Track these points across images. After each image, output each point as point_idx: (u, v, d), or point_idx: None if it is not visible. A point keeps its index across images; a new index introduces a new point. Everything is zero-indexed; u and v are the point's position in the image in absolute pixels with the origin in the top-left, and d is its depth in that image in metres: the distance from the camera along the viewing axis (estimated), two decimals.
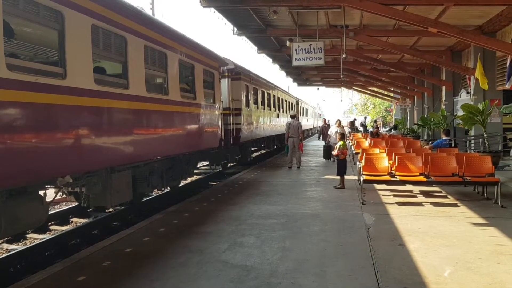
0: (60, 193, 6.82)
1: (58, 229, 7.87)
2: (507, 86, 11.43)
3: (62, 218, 8.45)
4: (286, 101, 25.43)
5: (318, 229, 6.24)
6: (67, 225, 8.26)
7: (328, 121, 24.25)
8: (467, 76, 14.88)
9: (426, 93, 22.67)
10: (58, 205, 9.66)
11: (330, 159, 15.27)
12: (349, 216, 6.99)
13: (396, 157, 8.75)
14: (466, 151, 14.35)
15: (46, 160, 5.01)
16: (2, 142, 4.31)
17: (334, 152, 10.01)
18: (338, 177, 9.93)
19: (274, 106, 21.00)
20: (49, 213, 7.07)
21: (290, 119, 14.85)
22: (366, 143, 16.01)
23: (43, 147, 4.93)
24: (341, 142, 10.08)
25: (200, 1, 10.25)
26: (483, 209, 7.41)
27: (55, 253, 6.55)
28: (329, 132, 15.96)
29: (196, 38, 10.08)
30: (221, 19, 12.80)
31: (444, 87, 19.03)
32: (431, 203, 8.05)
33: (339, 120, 17.09)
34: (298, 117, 23.14)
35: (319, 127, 22.26)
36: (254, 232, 6.06)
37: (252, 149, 19.09)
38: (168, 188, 10.24)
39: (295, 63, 12.59)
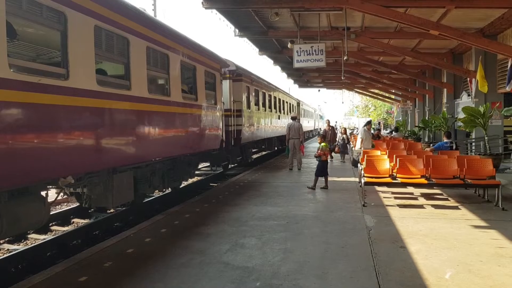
0: (61, 194, 6.84)
1: (59, 229, 7.88)
2: (507, 89, 11.44)
3: (64, 218, 8.46)
4: (287, 102, 25.45)
5: (319, 230, 6.25)
6: (68, 225, 8.27)
7: (335, 123, 23.52)
8: (468, 79, 14.90)
9: (427, 95, 22.70)
10: (60, 206, 9.67)
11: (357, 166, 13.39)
12: (350, 218, 6.99)
13: (398, 159, 8.75)
14: (467, 153, 14.35)
15: (48, 160, 5.02)
16: (4, 142, 4.32)
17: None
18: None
19: (275, 108, 21.01)
20: (51, 213, 7.09)
21: (291, 121, 14.87)
22: None
23: (45, 148, 4.93)
24: (322, 144, 10.35)
25: (202, 3, 10.28)
26: (484, 211, 7.41)
27: (56, 253, 6.55)
28: (361, 136, 13.38)
29: (197, 40, 10.10)
30: (223, 21, 12.84)
31: (445, 90, 19.05)
32: (432, 205, 8.05)
33: (370, 120, 16.62)
34: (299, 119, 23.02)
35: (323, 130, 20.22)
36: (255, 234, 6.07)
37: (252, 150, 19.10)
38: (169, 189, 10.24)
39: (296, 64, 12.61)
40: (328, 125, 18.98)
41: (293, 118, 15.31)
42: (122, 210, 8.81)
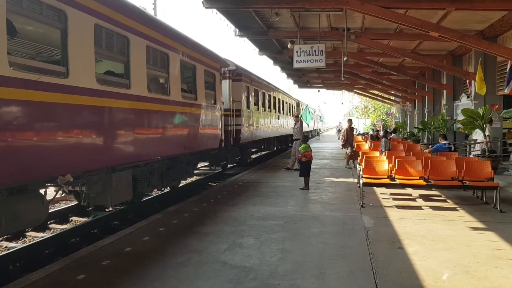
0: (60, 192, 6.84)
1: (57, 227, 7.88)
2: (506, 91, 11.46)
3: (62, 216, 8.46)
4: (286, 103, 25.46)
5: (317, 231, 6.25)
6: (66, 223, 8.27)
7: (338, 123, 21.82)
8: (467, 81, 14.92)
9: (426, 96, 22.71)
10: (58, 204, 9.67)
11: None
12: (349, 219, 7.00)
13: (396, 160, 8.77)
14: (466, 155, 14.37)
15: (47, 158, 5.03)
16: (4, 140, 4.33)
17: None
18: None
19: (274, 108, 21.02)
20: (49, 211, 7.09)
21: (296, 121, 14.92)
22: (366, 146, 16.05)
23: (44, 146, 4.94)
24: (302, 145, 10.42)
25: (203, 2, 10.29)
26: (482, 213, 7.42)
27: (54, 251, 6.55)
28: None
29: (198, 39, 10.10)
30: (223, 20, 12.83)
31: (444, 91, 19.06)
32: (430, 207, 8.06)
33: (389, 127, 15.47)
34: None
35: (343, 130, 17.31)
36: (254, 233, 6.08)
37: (252, 150, 19.10)
38: (168, 188, 10.25)
39: (296, 65, 12.62)
40: (350, 125, 16.28)
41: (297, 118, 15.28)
42: (121, 209, 8.81)
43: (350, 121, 16.99)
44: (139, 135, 7.13)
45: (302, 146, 10.46)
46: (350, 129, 15.97)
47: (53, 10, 5.13)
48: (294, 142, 14.26)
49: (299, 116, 16.39)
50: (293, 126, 14.65)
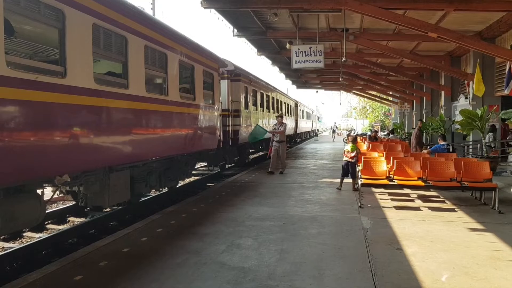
0: (57, 192, 6.81)
1: (55, 228, 7.85)
2: (506, 92, 11.48)
3: (59, 217, 8.42)
4: (285, 103, 25.44)
5: (315, 232, 6.24)
6: (64, 224, 8.23)
7: (334, 124, 20.14)
8: (466, 82, 14.95)
9: (425, 97, 22.75)
10: (55, 204, 9.64)
11: None
12: (347, 220, 6.99)
13: (395, 161, 8.76)
14: (464, 156, 14.39)
15: (44, 158, 5.00)
16: (1, 140, 4.30)
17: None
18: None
19: (273, 108, 21.00)
20: (46, 212, 7.05)
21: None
22: (364, 146, 16.04)
23: (42, 146, 4.91)
24: (351, 145, 10.13)
25: (201, 2, 10.29)
26: (481, 214, 7.42)
27: (51, 252, 6.52)
28: None
29: (196, 39, 10.08)
30: (222, 20, 12.87)
31: (443, 92, 19.11)
32: (429, 207, 8.05)
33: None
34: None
35: (415, 131, 15.50)
36: (252, 234, 6.06)
37: (250, 151, 19.08)
38: (166, 188, 10.22)
39: (294, 65, 12.63)
40: (420, 126, 14.34)
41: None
42: (118, 209, 8.77)
43: (421, 121, 15.01)
44: (137, 135, 7.10)
45: (351, 145, 10.13)
46: (420, 130, 14.16)
47: (51, 9, 5.10)
48: (278, 145, 13.20)
49: (283, 116, 14.70)
50: (275, 127, 13.57)
